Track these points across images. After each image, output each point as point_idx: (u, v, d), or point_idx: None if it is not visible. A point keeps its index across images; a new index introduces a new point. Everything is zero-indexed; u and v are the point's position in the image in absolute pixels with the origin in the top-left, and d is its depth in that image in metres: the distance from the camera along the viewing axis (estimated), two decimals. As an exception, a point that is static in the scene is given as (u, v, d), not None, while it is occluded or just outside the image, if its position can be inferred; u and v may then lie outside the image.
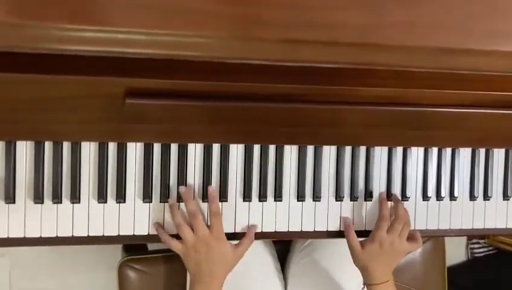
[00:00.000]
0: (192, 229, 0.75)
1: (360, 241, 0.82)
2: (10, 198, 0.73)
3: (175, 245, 0.76)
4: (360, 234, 0.84)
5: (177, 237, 0.76)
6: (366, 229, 0.86)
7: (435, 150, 0.88)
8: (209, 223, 0.77)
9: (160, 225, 0.78)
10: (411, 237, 0.82)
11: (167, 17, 0.40)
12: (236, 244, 0.79)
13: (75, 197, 0.75)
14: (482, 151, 0.91)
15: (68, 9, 0.37)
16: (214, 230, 0.76)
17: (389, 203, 0.85)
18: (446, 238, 1.09)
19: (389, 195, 0.86)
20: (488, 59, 0.51)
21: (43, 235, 0.75)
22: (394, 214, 0.83)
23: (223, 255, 0.76)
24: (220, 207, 0.79)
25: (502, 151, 0.92)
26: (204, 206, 0.79)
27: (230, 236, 0.80)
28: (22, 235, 0.74)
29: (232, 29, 0.41)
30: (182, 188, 0.77)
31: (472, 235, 1.63)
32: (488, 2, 0.49)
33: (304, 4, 0.43)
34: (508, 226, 0.93)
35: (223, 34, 0.41)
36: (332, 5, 0.43)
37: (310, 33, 0.43)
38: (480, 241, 1.66)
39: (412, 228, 0.85)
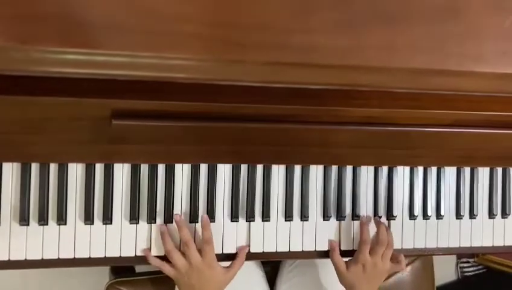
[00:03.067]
0: (184, 256, 0.76)
1: (346, 262, 0.83)
2: (-5, 220, 0.72)
3: (168, 270, 0.76)
4: (348, 253, 0.85)
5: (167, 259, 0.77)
6: (354, 248, 0.86)
7: (420, 169, 0.89)
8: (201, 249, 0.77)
9: (148, 251, 0.78)
10: (395, 259, 0.84)
11: (151, 40, 0.41)
12: (227, 267, 0.79)
13: (62, 219, 0.74)
14: (467, 170, 0.92)
15: (53, 32, 0.38)
16: (206, 258, 0.76)
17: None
18: (436, 258, 1.09)
19: (375, 215, 0.87)
20: (467, 80, 0.52)
21: (28, 258, 0.74)
22: (376, 237, 0.83)
23: (215, 280, 0.77)
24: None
25: (487, 169, 0.93)
26: (191, 226, 0.79)
27: (219, 257, 0.79)
28: (6, 258, 0.73)
29: (214, 52, 0.42)
30: (177, 217, 0.77)
31: (461, 254, 1.63)
32: (466, 25, 0.51)
33: (285, 27, 0.44)
34: (494, 244, 0.93)
35: (205, 56, 0.42)
36: (313, 28, 0.44)
37: (292, 55, 0.44)
38: (470, 260, 1.67)
39: (399, 247, 0.86)
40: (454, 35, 0.49)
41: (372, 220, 0.86)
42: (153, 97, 0.60)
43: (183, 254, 0.76)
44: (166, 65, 0.42)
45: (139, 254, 0.77)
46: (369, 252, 0.81)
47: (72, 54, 0.39)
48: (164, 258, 0.77)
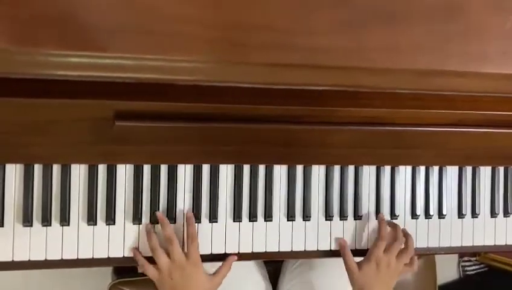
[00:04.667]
0: (168, 255, 0.74)
1: (357, 262, 0.82)
2: (-1, 221, 0.72)
3: (151, 272, 0.74)
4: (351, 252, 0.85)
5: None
6: (356, 247, 0.86)
7: (422, 168, 0.89)
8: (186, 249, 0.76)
9: (136, 250, 0.77)
10: (409, 261, 0.83)
11: (153, 42, 0.41)
12: (213, 274, 0.77)
13: (65, 220, 0.74)
14: (469, 169, 0.92)
15: (56, 35, 0.38)
16: (190, 256, 0.74)
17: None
18: (437, 256, 1.09)
19: (377, 214, 0.87)
20: (469, 80, 0.52)
21: (31, 259, 0.74)
22: (392, 235, 0.83)
23: (199, 283, 0.74)
24: (210, 228, 0.80)
25: (489, 169, 0.93)
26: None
27: (221, 257, 0.80)
28: (10, 259, 0.73)
29: (217, 54, 0.42)
30: (160, 214, 0.76)
31: (463, 253, 1.63)
32: (466, 25, 0.51)
33: (288, 28, 0.44)
34: (496, 243, 0.93)
35: (208, 58, 0.42)
36: (315, 30, 0.45)
37: (294, 57, 0.44)
38: (472, 259, 1.67)
39: (401, 246, 0.86)
40: (455, 36, 0.49)
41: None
42: (156, 98, 0.61)
43: (168, 254, 0.74)
44: (169, 67, 0.42)
45: (143, 254, 0.77)
46: (384, 251, 0.80)
47: (75, 57, 0.39)
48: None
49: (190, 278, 0.73)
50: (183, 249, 0.76)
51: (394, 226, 0.85)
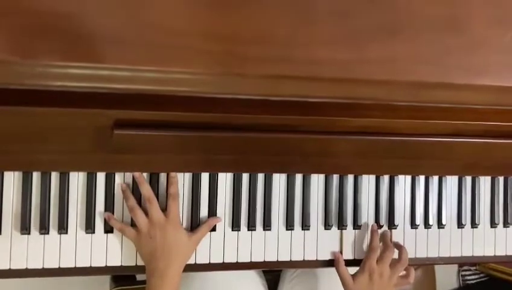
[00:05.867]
0: (147, 215, 0.73)
1: (352, 274, 0.82)
2: (-4, 229, 0.72)
3: (129, 232, 0.73)
4: (349, 262, 0.84)
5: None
6: (355, 257, 0.86)
7: (422, 178, 0.89)
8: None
9: (111, 215, 0.75)
10: (405, 273, 0.83)
11: (152, 54, 0.41)
12: (193, 231, 0.76)
13: (63, 228, 0.74)
14: (469, 179, 0.92)
15: (55, 47, 0.38)
16: (170, 215, 0.73)
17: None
18: (437, 266, 1.09)
19: (377, 224, 0.87)
20: (468, 93, 0.52)
21: (29, 267, 0.74)
22: (383, 245, 0.83)
23: (179, 242, 0.73)
24: (209, 237, 0.79)
25: (488, 179, 0.93)
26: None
27: (219, 266, 0.79)
28: (7, 267, 0.73)
29: (216, 66, 0.42)
30: (136, 173, 0.75)
31: (462, 263, 1.62)
32: (466, 38, 0.51)
33: (286, 41, 0.44)
34: (496, 254, 0.93)
35: (206, 70, 0.42)
36: (314, 41, 0.45)
37: (293, 69, 0.44)
38: (472, 268, 1.66)
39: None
40: (455, 49, 0.49)
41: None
42: (155, 108, 0.61)
43: (146, 213, 0.73)
44: (167, 79, 0.42)
45: (139, 263, 0.77)
46: (377, 261, 0.81)
47: (75, 68, 0.39)
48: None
49: (170, 236, 0.72)
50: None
51: (383, 236, 0.85)
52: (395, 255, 0.84)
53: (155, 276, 0.71)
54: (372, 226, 0.86)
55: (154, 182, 0.77)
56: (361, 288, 0.80)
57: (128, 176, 0.76)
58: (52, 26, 0.39)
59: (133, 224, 0.75)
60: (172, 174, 0.76)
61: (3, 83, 0.41)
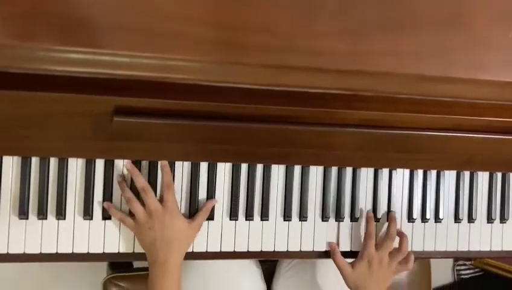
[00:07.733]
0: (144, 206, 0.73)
1: (350, 262, 0.82)
2: (-6, 213, 0.72)
3: (128, 222, 0.73)
4: (346, 254, 0.85)
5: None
6: (352, 249, 0.86)
7: (420, 172, 0.89)
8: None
9: (110, 204, 0.75)
10: (405, 259, 0.83)
11: (153, 41, 0.41)
12: (192, 218, 0.76)
13: (61, 214, 0.74)
14: (467, 174, 0.92)
15: (56, 31, 0.38)
16: (167, 204, 0.73)
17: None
18: (433, 260, 1.09)
19: (374, 216, 0.87)
20: (470, 87, 0.52)
21: (26, 252, 0.74)
22: (386, 232, 0.83)
23: (178, 231, 0.73)
24: (206, 225, 0.80)
25: (486, 174, 0.93)
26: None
27: (216, 255, 0.80)
28: (5, 252, 0.73)
29: (217, 54, 0.42)
30: (128, 164, 0.75)
31: (458, 257, 1.64)
32: (468, 33, 0.51)
33: (289, 30, 0.44)
34: (492, 249, 0.93)
35: (207, 58, 0.42)
36: (316, 33, 0.44)
37: (295, 59, 0.44)
38: (467, 263, 1.67)
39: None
40: (457, 44, 0.49)
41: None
42: (155, 95, 0.60)
43: (143, 204, 0.73)
44: (167, 66, 0.42)
45: (137, 250, 0.77)
46: (376, 247, 0.81)
47: (75, 53, 0.39)
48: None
49: (169, 226, 0.72)
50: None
51: (389, 224, 0.85)
52: (395, 243, 0.84)
53: (156, 267, 0.72)
54: (368, 213, 0.86)
55: (153, 169, 0.77)
56: (361, 275, 0.80)
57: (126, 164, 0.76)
58: (53, 10, 0.39)
59: (132, 213, 0.75)
60: (164, 162, 0.76)
61: (2, 66, 0.40)
